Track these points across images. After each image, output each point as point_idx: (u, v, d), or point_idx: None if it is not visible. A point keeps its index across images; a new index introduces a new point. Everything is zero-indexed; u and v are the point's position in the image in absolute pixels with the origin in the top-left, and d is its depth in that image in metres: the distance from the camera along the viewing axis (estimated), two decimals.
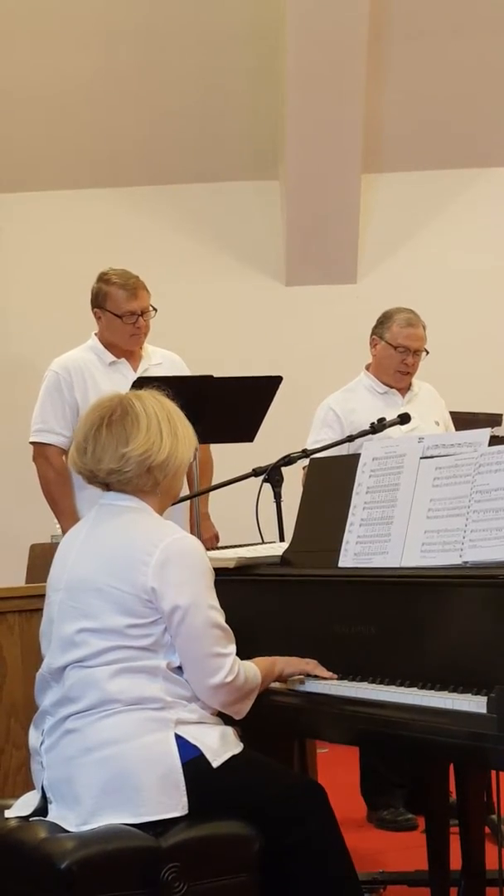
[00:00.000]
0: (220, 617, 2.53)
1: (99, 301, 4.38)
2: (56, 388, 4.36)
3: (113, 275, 4.37)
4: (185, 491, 4.10)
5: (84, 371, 4.36)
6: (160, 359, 4.47)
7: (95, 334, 4.45)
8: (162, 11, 6.33)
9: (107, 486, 2.62)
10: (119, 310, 4.33)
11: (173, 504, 3.58)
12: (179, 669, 2.51)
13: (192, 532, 4.23)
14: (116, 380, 4.20)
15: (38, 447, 4.38)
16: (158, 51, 6.47)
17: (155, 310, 4.37)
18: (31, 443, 4.43)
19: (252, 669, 2.58)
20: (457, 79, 6.61)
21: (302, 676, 2.72)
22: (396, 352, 4.44)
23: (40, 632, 2.65)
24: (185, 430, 2.63)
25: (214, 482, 4.51)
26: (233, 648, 2.54)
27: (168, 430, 2.58)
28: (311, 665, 2.71)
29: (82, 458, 2.59)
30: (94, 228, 6.85)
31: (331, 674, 2.69)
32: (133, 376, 4.31)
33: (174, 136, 6.73)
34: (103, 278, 4.39)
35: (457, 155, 6.87)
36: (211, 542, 4.48)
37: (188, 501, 4.13)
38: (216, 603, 2.53)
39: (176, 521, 4.02)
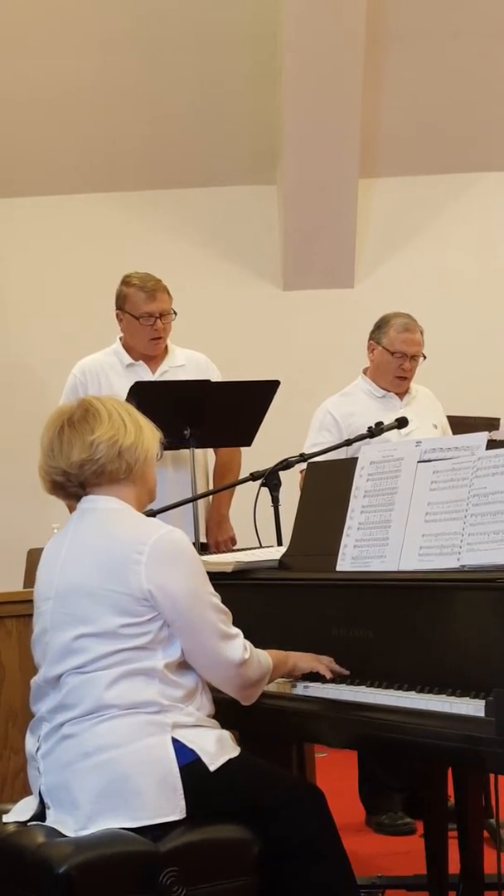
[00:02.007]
0: (219, 601, 2.55)
1: (119, 303, 4.42)
2: (73, 391, 4.41)
3: (134, 277, 4.41)
4: (188, 494, 4.11)
5: (100, 373, 4.39)
6: (183, 360, 4.48)
7: (120, 338, 4.48)
8: (160, 16, 6.33)
9: (82, 487, 2.61)
10: (137, 311, 4.35)
11: (178, 507, 3.58)
12: (178, 669, 2.51)
13: (197, 535, 4.24)
14: (133, 381, 4.19)
15: None
16: (156, 55, 6.48)
17: (175, 313, 4.38)
18: None
19: (263, 654, 2.61)
20: (454, 83, 6.62)
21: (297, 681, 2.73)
22: (394, 357, 4.44)
23: (32, 641, 2.64)
24: (147, 423, 2.66)
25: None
26: (237, 630, 2.56)
27: (130, 419, 2.62)
28: (323, 665, 2.72)
29: (50, 461, 2.60)
30: (92, 233, 6.85)
31: (340, 670, 2.70)
32: (150, 378, 4.32)
33: (172, 140, 6.74)
34: (125, 280, 4.43)
35: (454, 159, 6.88)
36: (226, 545, 4.47)
37: (191, 505, 4.12)
38: (212, 588, 2.56)
39: (185, 526, 4.03)
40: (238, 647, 2.54)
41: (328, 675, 2.70)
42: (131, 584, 2.46)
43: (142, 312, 4.34)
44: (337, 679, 2.69)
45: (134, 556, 2.47)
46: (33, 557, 5.14)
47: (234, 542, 4.52)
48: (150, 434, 2.65)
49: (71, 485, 2.61)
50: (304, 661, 2.73)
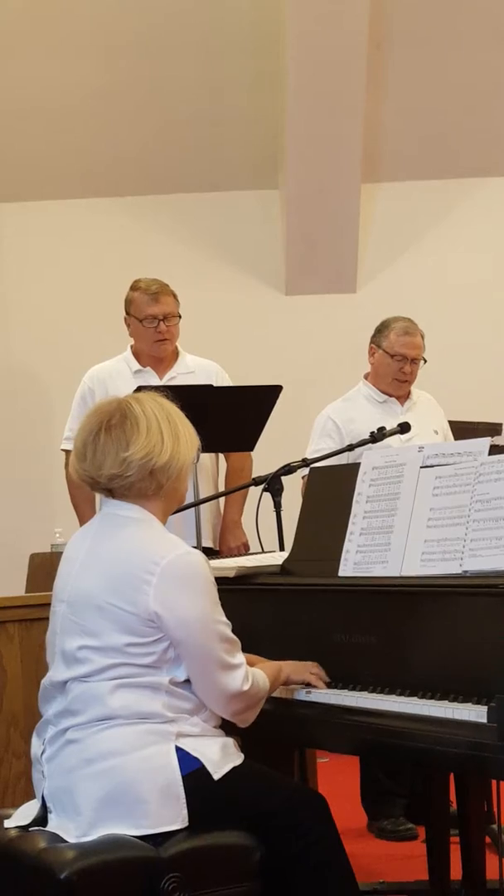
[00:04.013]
0: (227, 629, 2.51)
1: (126, 307, 4.48)
2: (82, 398, 4.45)
3: (141, 282, 4.46)
4: (190, 497, 4.10)
5: (108, 380, 4.41)
6: (193, 367, 4.49)
7: (131, 345, 4.51)
8: (162, 22, 6.34)
9: (110, 492, 2.59)
10: (140, 314, 4.39)
11: (181, 511, 3.59)
12: (183, 684, 2.50)
13: (199, 540, 4.23)
14: None
15: (67, 454, 4.43)
16: (159, 61, 6.48)
17: (179, 316, 4.40)
18: (62, 450, 4.50)
19: (261, 676, 2.58)
20: (456, 88, 6.62)
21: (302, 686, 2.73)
22: (394, 360, 4.44)
23: (46, 639, 2.64)
24: (186, 431, 2.60)
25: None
26: (242, 658, 2.53)
27: (169, 431, 2.55)
28: (314, 676, 2.72)
29: (82, 465, 2.56)
30: (94, 238, 6.86)
31: (325, 681, 2.71)
32: (158, 384, 4.32)
33: (174, 145, 6.74)
34: (132, 285, 4.48)
35: (456, 165, 6.88)
36: (239, 551, 4.47)
37: (193, 510, 4.12)
38: (222, 616, 2.51)
39: (185, 529, 4.02)
40: (238, 678, 2.50)
41: (320, 685, 2.70)
42: (138, 603, 2.43)
43: (145, 315, 4.37)
44: (339, 685, 2.69)
45: (145, 575, 2.44)
46: (36, 562, 5.14)
47: (247, 547, 4.51)
48: (187, 444, 2.58)
49: (98, 487, 2.59)
50: (297, 673, 2.72)
